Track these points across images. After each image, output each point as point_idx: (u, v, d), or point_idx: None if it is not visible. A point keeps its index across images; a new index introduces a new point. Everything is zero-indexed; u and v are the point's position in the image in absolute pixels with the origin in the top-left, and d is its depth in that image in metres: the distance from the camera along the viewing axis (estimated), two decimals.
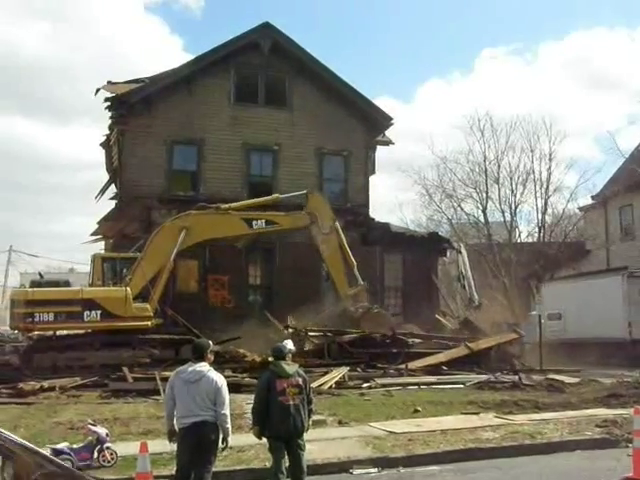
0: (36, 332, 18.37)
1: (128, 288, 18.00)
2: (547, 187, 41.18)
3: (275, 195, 21.54)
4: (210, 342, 7.29)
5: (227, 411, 6.71)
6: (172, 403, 6.79)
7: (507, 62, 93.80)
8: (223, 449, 6.93)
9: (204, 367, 6.78)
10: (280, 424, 7.09)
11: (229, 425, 6.74)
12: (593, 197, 39.76)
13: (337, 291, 21.13)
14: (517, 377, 16.94)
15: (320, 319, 20.18)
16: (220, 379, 6.78)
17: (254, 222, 20.14)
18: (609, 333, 22.68)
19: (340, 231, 21.13)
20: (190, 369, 6.78)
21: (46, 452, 8.66)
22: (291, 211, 21.10)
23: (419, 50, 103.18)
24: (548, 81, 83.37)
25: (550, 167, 41.23)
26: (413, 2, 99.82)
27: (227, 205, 20.19)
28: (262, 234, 21.18)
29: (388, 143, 27.54)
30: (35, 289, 17.85)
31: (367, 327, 19.71)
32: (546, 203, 41.42)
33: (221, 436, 6.73)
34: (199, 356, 6.90)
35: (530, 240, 42.95)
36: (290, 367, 7.38)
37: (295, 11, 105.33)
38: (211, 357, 7.04)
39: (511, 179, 41.79)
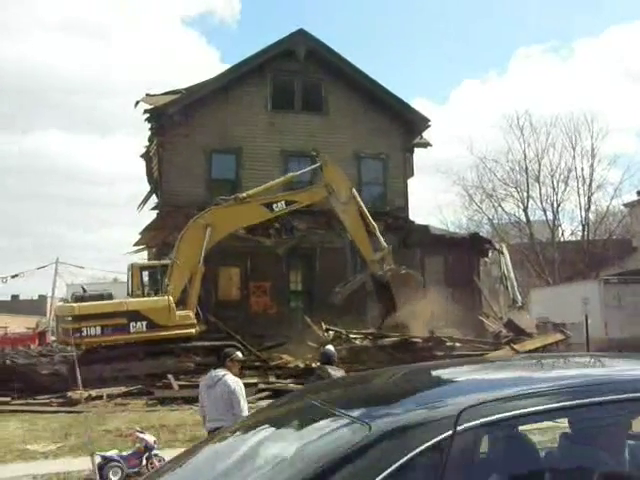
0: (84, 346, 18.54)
1: (170, 297, 18.17)
2: (590, 184, 40.64)
3: (290, 174, 21.47)
4: (238, 353, 7.73)
5: (244, 413, 7.02)
6: (202, 408, 7.39)
7: (543, 60, 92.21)
8: None
9: (220, 372, 7.23)
10: None
11: None
12: (639, 192, 38.93)
13: (363, 258, 21.02)
14: None
15: (345, 290, 20.22)
16: (234, 382, 7.14)
17: (274, 205, 20.05)
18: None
19: (358, 198, 20.86)
20: (211, 374, 7.32)
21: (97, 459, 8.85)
22: (310, 186, 21.28)
23: (452, 51, 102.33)
24: (586, 77, 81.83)
25: (593, 164, 40.73)
26: (444, 4, 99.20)
27: (244, 194, 20.11)
28: (282, 216, 21.01)
29: (426, 145, 27.37)
30: (81, 304, 17.96)
31: (397, 289, 19.65)
32: (589, 200, 40.84)
33: None
34: (221, 363, 7.45)
35: (574, 239, 42.35)
36: (336, 372, 7.39)
37: (329, 17, 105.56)
38: (231, 364, 7.41)
39: (552, 177, 41.37)
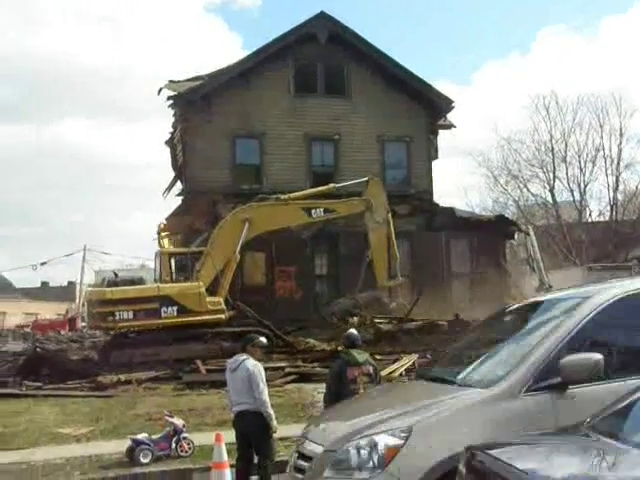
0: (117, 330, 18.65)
1: (201, 283, 18.29)
2: (618, 163, 39.99)
3: (331, 185, 21.53)
4: (261, 338, 7.83)
5: (263, 396, 7.14)
6: (229, 392, 7.57)
7: (567, 39, 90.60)
8: (271, 434, 7.30)
9: (242, 356, 7.38)
10: None
11: (269, 410, 7.18)
12: None
13: (376, 279, 21.21)
14: None
15: (354, 301, 20.40)
16: (253, 365, 7.24)
17: (313, 211, 20.36)
18: None
19: (391, 223, 21.07)
20: (234, 359, 7.45)
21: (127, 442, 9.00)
22: (350, 198, 21.23)
23: (474, 32, 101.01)
24: (613, 56, 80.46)
25: (621, 143, 40.02)
26: None
27: (287, 195, 20.32)
28: (324, 222, 21.27)
29: (450, 127, 27.14)
30: (114, 288, 18.08)
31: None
32: (617, 180, 40.22)
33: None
34: (243, 348, 7.60)
35: (601, 219, 41.73)
36: (361, 355, 7.45)
37: (350, 1, 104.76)
38: (252, 350, 7.51)
39: (579, 157, 40.78)
